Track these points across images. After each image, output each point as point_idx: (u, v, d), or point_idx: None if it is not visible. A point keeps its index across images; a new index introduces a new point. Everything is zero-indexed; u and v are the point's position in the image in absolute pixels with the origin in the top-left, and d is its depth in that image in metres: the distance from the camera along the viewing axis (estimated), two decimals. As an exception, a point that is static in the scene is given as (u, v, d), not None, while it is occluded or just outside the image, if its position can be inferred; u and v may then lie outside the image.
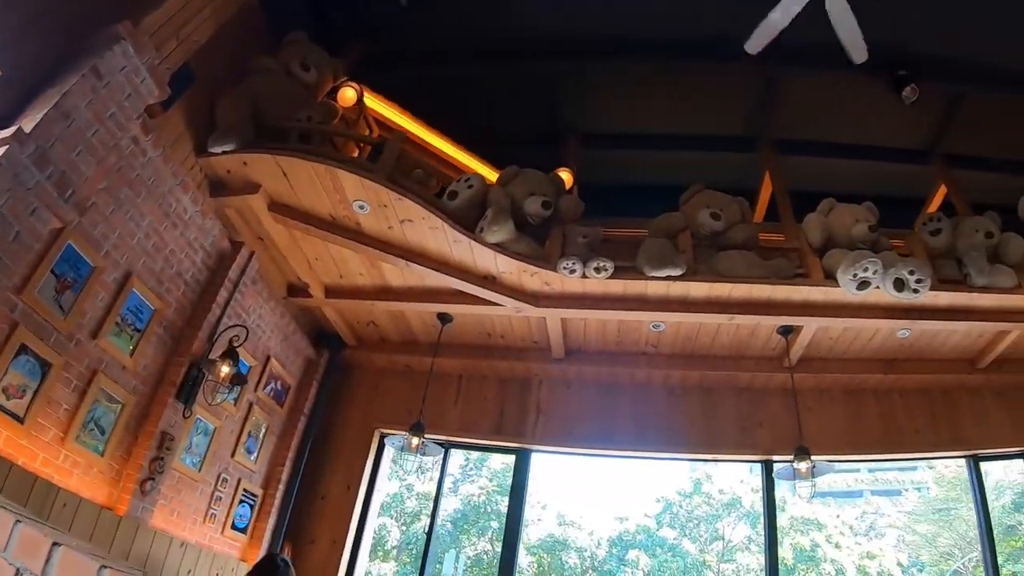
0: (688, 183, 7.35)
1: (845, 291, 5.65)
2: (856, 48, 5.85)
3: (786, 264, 5.95)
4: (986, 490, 6.88)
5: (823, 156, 7.89)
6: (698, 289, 5.91)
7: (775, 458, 6.77)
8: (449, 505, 19.53)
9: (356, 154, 6.49)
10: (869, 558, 18.89)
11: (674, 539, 19.75)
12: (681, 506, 20.48)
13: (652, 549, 18.86)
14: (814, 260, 5.97)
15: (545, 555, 18.91)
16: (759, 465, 6.92)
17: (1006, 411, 7.07)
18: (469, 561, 19.22)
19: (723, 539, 19.85)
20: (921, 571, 19.77)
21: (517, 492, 7.00)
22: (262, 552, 6.14)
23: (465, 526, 19.44)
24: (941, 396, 7.03)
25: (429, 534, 7.38)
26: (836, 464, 6.40)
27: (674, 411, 7.04)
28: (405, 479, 19.25)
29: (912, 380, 6.95)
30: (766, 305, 6.03)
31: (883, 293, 5.63)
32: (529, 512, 18.87)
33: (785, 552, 18.20)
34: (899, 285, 5.54)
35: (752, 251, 6.11)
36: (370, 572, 17.18)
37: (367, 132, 6.95)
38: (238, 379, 5.33)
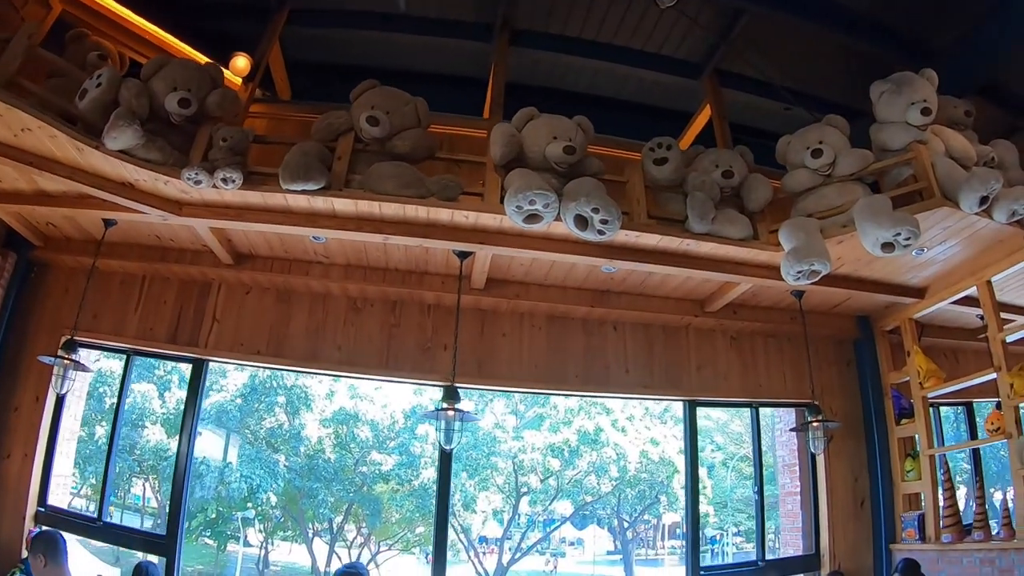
0: (425, 70, 6.69)
1: (515, 220, 5.18)
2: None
3: (453, 182, 5.30)
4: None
5: (577, 55, 7.28)
6: (343, 205, 5.30)
7: (459, 385, 6.33)
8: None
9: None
10: (652, 444, 19.76)
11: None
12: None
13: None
14: (494, 179, 5.41)
15: (341, 427, 18.84)
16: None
17: (736, 357, 6.94)
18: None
19: (518, 415, 20.60)
20: (716, 450, 20.60)
21: (192, 406, 6.47)
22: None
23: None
24: (663, 336, 6.91)
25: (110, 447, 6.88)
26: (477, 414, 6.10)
27: (352, 326, 6.59)
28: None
29: (630, 316, 6.76)
30: (426, 226, 5.51)
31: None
32: (319, 387, 19.14)
33: (570, 435, 19.30)
34: (581, 223, 5.00)
35: (423, 161, 5.55)
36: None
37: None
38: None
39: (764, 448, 7.79)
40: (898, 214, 5.20)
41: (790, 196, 5.99)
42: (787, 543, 7.72)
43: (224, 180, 5.05)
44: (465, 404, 5.56)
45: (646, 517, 23.15)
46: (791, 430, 7.37)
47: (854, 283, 6.60)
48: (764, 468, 7.47)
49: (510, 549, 20.68)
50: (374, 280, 6.36)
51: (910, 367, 7.15)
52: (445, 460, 6.62)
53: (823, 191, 5.82)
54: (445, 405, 5.45)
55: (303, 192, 5.06)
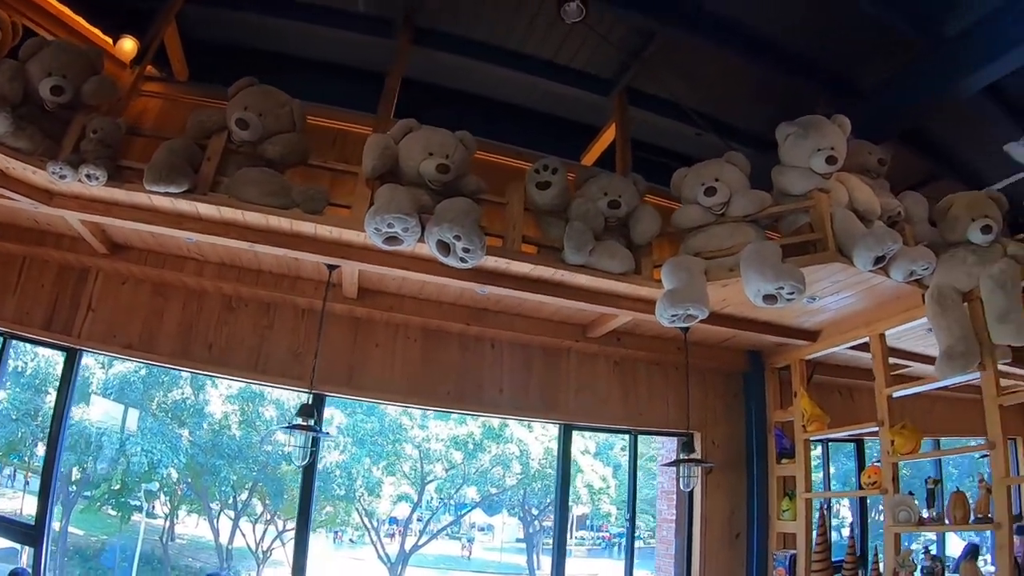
0: (328, 60, 6.44)
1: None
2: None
3: (319, 194, 5.04)
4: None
5: (482, 60, 7.01)
6: (207, 209, 5.02)
7: (327, 392, 6.22)
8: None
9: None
10: (557, 442, 19.57)
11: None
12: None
13: (347, 406, 18.97)
14: (364, 192, 5.17)
15: (248, 405, 18.62)
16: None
17: (618, 383, 6.92)
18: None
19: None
20: (611, 450, 20.97)
21: (63, 397, 6.12)
22: None
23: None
24: (542, 357, 6.81)
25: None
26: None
27: (225, 325, 6.32)
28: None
29: (508, 335, 6.63)
30: (290, 237, 5.26)
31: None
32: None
33: (475, 428, 19.48)
34: (444, 249, 4.83)
35: (295, 167, 5.34)
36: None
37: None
38: None
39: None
40: (785, 266, 5.09)
41: (679, 232, 5.86)
42: (660, 569, 7.76)
43: (88, 176, 4.74)
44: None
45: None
46: (663, 464, 7.36)
47: (741, 323, 6.53)
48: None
49: (417, 532, 20.71)
50: (247, 281, 6.11)
51: (795, 409, 7.17)
52: (306, 477, 6.28)
53: (714, 230, 5.67)
54: (300, 421, 5.27)
55: (166, 194, 4.79)
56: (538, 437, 19.64)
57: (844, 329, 6.84)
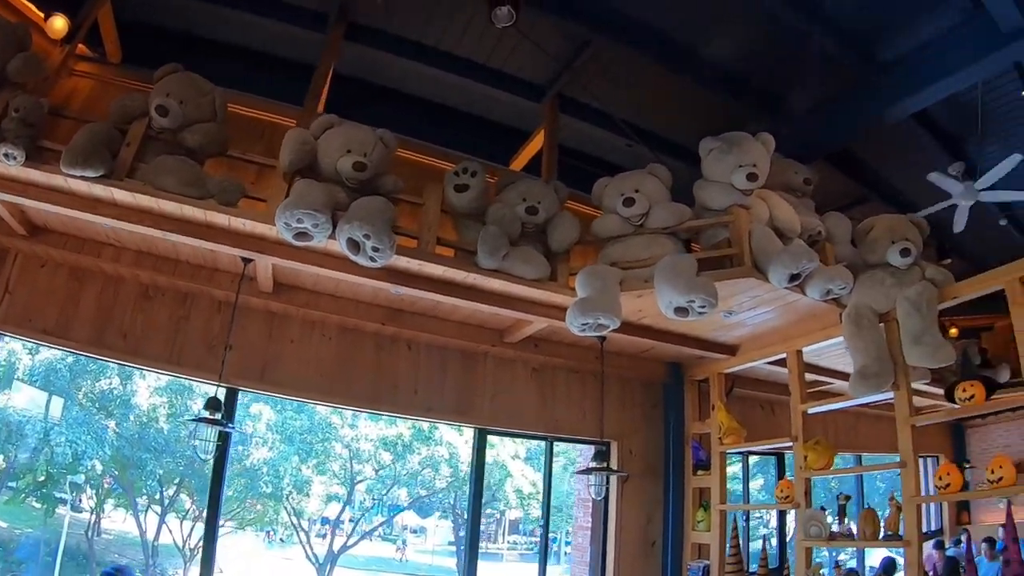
0: (263, 50, 6.43)
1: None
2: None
3: (234, 186, 5.01)
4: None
5: (415, 60, 6.96)
6: (123, 196, 4.93)
7: (241, 387, 6.19)
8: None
9: None
10: (489, 447, 19.53)
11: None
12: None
13: (276, 404, 18.69)
14: (280, 186, 5.14)
15: (176, 397, 18.34)
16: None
17: (535, 389, 7.04)
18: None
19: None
20: (559, 455, 21.08)
21: None
22: None
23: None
24: (459, 361, 6.82)
25: None
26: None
27: (141, 314, 6.15)
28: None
29: (424, 337, 6.61)
30: (205, 228, 5.18)
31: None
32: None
33: (404, 429, 19.36)
34: (353, 247, 4.82)
35: (214, 157, 5.31)
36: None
37: None
38: None
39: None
40: (698, 280, 5.16)
41: (599, 241, 5.91)
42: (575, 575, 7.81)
43: (6, 156, 4.62)
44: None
45: (489, 511, 23.35)
46: (577, 472, 7.43)
47: (660, 335, 6.62)
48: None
49: (347, 532, 20.55)
50: (165, 270, 5.98)
51: (712, 421, 7.28)
52: (216, 472, 6.14)
53: (632, 241, 5.75)
54: (207, 414, 5.22)
55: (82, 178, 4.72)
56: (468, 440, 19.14)
57: (762, 344, 6.97)
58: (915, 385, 6.54)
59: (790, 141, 7.06)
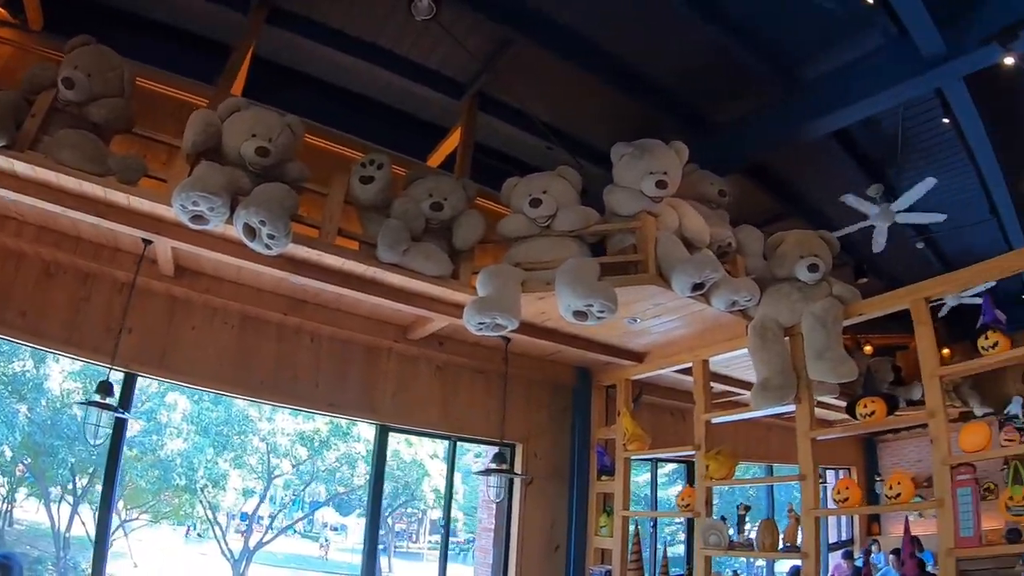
0: (187, 29, 6.49)
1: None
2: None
3: (136, 163, 4.92)
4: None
5: (335, 48, 6.83)
6: (23, 168, 4.79)
7: (138, 372, 6.04)
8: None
9: None
10: (407, 444, 20.05)
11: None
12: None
13: (193, 394, 18.31)
14: (182, 167, 5.05)
15: (91, 382, 17.86)
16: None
17: (439, 388, 7.05)
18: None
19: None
20: (478, 457, 21.31)
21: None
22: None
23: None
24: (362, 356, 6.78)
25: None
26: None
27: (41, 292, 5.92)
28: None
29: (328, 330, 6.54)
30: (105, 206, 5.06)
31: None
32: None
33: (322, 424, 19.31)
34: (250, 233, 4.78)
35: (120, 133, 5.25)
36: None
37: None
38: None
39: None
40: (598, 284, 5.21)
41: (504, 241, 5.96)
42: None
43: None
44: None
45: (410, 511, 23.45)
46: (475, 473, 7.47)
47: (565, 338, 6.69)
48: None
49: (264, 528, 20.29)
50: (66, 248, 5.76)
51: (617, 427, 7.36)
52: (111, 459, 5.97)
53: (537, 242, 5.81)
54: (97, 398, 5.14)
55: (-18, 148, 4.53)
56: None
57: (669, 353, 7.09)
58: (823, 399, 6.74)
59: (709, 153, 7.21)
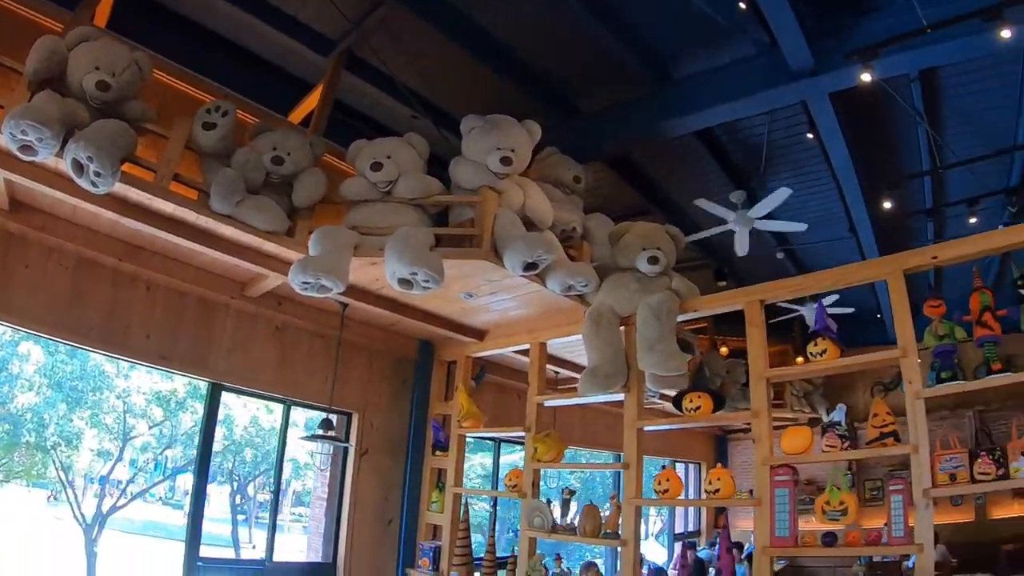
0: None
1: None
2: None
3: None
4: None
5: None
6: None
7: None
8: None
9: None
10: (267, 412, 19.66)
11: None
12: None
13: (48, 346, 17.12)
14: (22, 95, 4.83)
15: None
16: None
17: (276, 349, 6.98)
18: None
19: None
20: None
21: None
22: None
23: None
24: (197, 309, 6.64)
25: None
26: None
27: None
28: None
29: (164, 280, 6.36)
30: None
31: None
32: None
33: (180, 385, 18.50)
34: (77, 169, 4.68)
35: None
36: None
37: None
38: None
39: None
40: (425, 254, 5.30)
41: (345, 202, 6.00)
42: (311, 547, 7.81)
43: None
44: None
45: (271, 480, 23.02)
46: (300, 439, 7.53)
47: (403, 309, 6.79)
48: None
49: (118, 493, 19.46)
50: None
51: (454, 404, 7.53)
52: None
53: (376, 207, 5.87)
54: None
55: None
56: (247, 403, 19.01)
57: (509, 333, 7.28)
58: (666, 391, 6.97)
59: (572, 138, 7.44)
